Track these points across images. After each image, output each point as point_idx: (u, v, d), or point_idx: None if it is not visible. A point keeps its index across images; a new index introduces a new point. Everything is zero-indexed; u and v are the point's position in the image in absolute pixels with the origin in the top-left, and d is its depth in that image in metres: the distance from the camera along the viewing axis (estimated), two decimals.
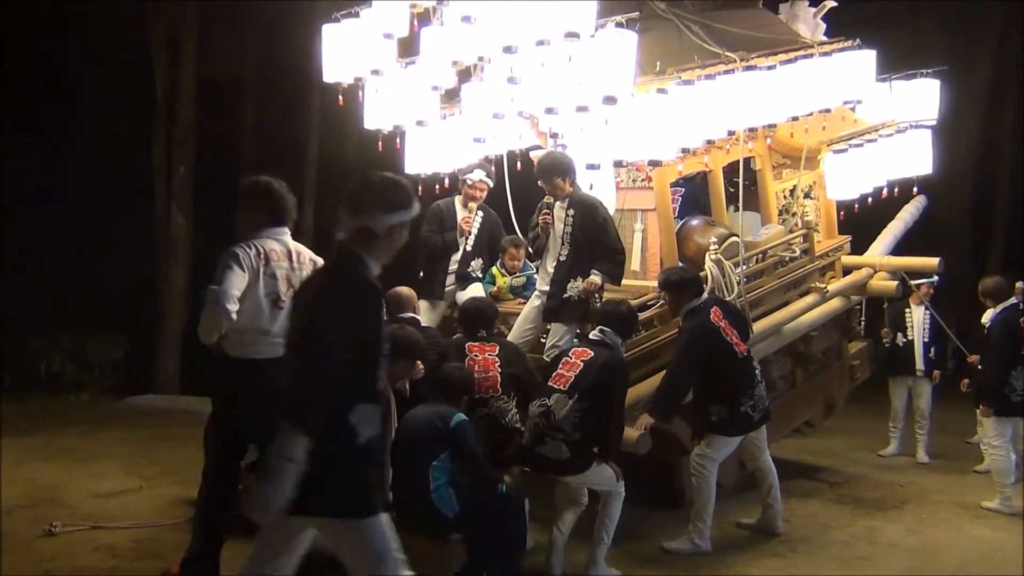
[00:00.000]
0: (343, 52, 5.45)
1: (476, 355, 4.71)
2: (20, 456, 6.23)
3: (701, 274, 5.52)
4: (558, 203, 5.34)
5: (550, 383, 4.52)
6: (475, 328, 4.86)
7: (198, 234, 12.10)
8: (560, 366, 4.57)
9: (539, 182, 5.37)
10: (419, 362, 4.42)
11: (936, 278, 7.51)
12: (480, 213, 6.16)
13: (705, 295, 5.22)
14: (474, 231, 6.14)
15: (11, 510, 5.11)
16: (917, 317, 7.82)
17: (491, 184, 6.14)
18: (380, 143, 5.99)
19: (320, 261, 3.98)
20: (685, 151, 5.18)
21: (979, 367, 6.63)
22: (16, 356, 10.08)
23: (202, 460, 5.65)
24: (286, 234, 4.09)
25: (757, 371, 5.19)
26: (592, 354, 4.51)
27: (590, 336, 4.72)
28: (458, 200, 6.19)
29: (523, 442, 4.52)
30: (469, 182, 6.06)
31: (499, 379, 4.64)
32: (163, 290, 11.87)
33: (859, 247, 7.36)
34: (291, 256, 4.03)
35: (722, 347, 4.99)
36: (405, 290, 5.67)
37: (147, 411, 8.96)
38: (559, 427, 4.37)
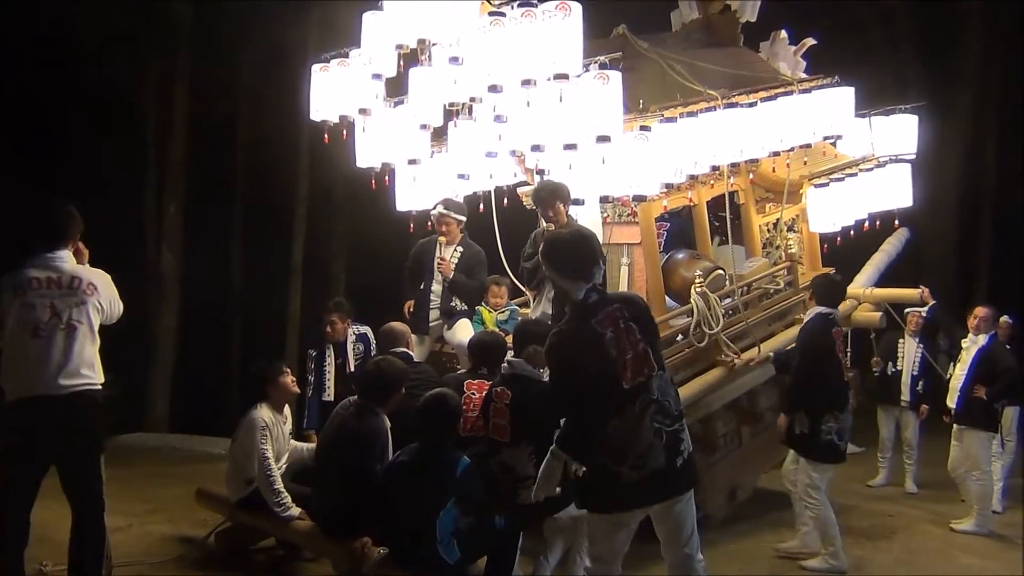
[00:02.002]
0: (331, 92, 5.55)
1: (473, 393, 4.68)
2: None
3: (686, 306, 5.62)
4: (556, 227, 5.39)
5: (493, 436, 4.39)
6: (478, 365, 4.86)
7: (188, 273, 12.18)
8: (492, 414, 4.43)
9: (537, 210, 5.44)
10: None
11: (927, 309, 7.56)
12: (461, 249, 6.20)
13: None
14: (453, 267, 6.12)
15: None
16: (909, 348, 7.90)
17: (456, 216, 6.11)
18: (372, 181, 6.09)
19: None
20: (668, 186, 5.29)
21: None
22: None
23: (190, 500, 5.74)
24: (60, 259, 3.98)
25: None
26: (511, 394, 4.38)
27: (502, 372, 4.58)
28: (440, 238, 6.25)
29: (500, 498, 4.33)
30: (434, 218, 6.14)
31: (508, 427, 4.42)
32: (153, 329, 11.91)
33: (844, 279, 7.46)
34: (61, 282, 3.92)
35: (836, 365, 5.27)
36: (398, 326, 5.76)
37: (137, 449, 8.94)
38: (525, 475, 4.23)
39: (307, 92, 5.78)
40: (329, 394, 6.13)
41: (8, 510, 3.95)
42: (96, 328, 4.00)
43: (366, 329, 6.35)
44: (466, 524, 4.01)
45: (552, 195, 5.31)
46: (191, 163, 12.43)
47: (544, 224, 5.47)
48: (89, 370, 3.95)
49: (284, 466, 5.14)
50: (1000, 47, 14.12)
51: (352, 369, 6.16)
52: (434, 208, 6.14)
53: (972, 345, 6.72)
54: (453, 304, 6.09)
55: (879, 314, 7.16)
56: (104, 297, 4.03)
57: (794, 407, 5.36)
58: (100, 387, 4.02)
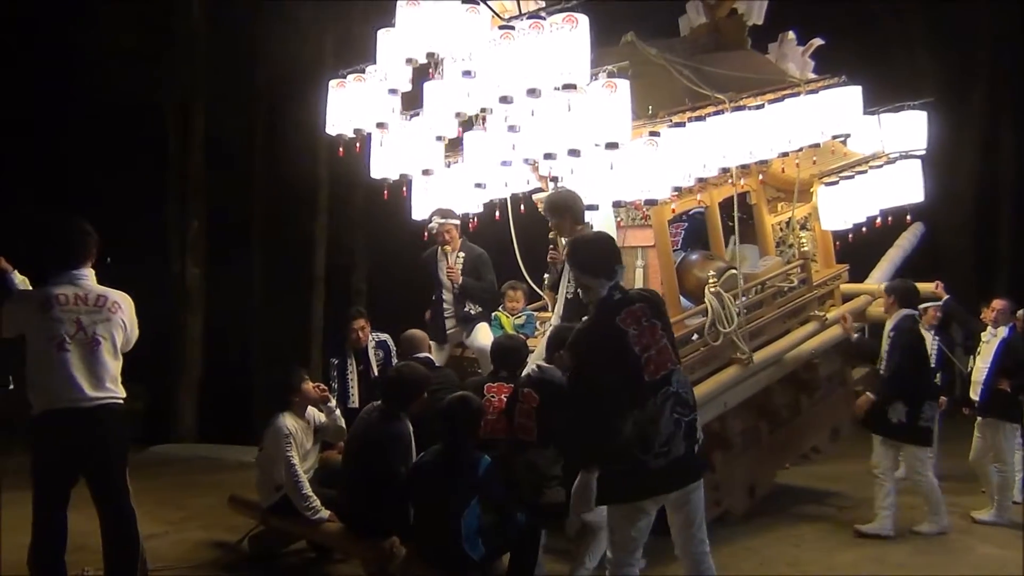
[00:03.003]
0: (348, 107, 5.69)
1: (492, 396, 4.80)
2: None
3: (700, 306, 5.73)
4: (564, 239, 5.53)
5: (518, 436, 4.55)
6: (498, 368, 4.98)
7: (211, 285, 12.40)
8: (517, 414, 4.58)
9: (549, 218, 5.54)
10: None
11: (942, 303, 7.61)
12: (462, 254, 6.32)
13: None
14: (460, 273, 6.26)
15: None
16: (926, 342, 7.93)
17: (454, 222, 6.25)
18: (386, 192, 6.25)
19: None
20: (678, 190, 5.40)
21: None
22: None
23: (222, 507, 5.91)
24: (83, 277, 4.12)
25: None
26: (538, 397, 4.52)
27: (530, 375, 4.73)
28: (439, 249, 6.36)
29: (525, 498, 4.48)
30: (433, 231, 6.25)
31: (534, 428, 4.55)
32: (180, 341, 12.14)
33: (859, 275, 7.53)
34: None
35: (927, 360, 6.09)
36: (418, 332, 5.91)
37: (169, 460, 9.14)
38: (549, 475, 4.42)
39: (323, 108, 5.95)
40: (354, 401, 6.23)
41: (42, 517, 4.11)
42: (119, 345, 4.16)
43: (386, 336, 6.46)
44: (489, 521, 4.14)
45: (563, 209, 5.35)
46: (211, 177, 12.65)
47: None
48: (113, 384, 4.11)
49: (311, 470, 5.31)
50: (1016, 39, 14.07)
51: (376, 374, 6.29)
52: (430, 221, 6.25)
53: (992, 338, 6.77)
54: (467, 310, 6.21)
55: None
56: (128, 317, 4.19)
57: (893, 398, 5.96)
58: (123, 401, 4.18)
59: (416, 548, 4.29)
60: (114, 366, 4.12)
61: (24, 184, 12.29)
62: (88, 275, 4.14)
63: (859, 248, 7.38)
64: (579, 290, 4.59)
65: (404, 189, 6.35)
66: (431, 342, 6.14)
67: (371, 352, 6.36)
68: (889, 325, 6.15)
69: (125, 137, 12.63)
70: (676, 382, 3.65)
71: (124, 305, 4.19)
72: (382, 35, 5.19)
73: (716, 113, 5.49)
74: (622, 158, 5.09)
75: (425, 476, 4.24)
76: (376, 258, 13.99)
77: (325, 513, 4.94)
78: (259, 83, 13.56)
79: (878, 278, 7.61)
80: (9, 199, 12.04)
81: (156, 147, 12.51)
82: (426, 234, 6.46)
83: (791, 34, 7.30)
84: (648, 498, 3.64)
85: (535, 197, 6.61)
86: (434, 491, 4.16)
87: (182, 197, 12.37)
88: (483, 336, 6.13)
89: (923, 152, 6.99)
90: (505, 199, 6.51)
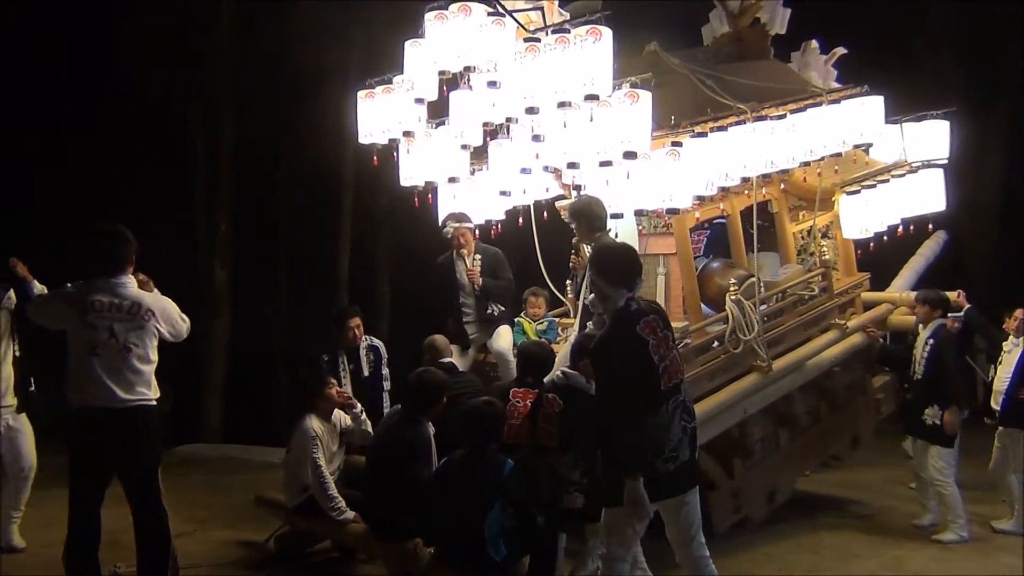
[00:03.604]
0: (377, 116, 5.82)
1: (518, 401, 4.85)
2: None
3: (721, 313, 5.79)
4: (585, 244, 5.59)
5: (541, 441, 4.61)
6: (524, 373, 5.04)
7: (237, 288, 12.56)
8: (540, 419, 4.64)
9: (572, 224, 5.59)
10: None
11: (965, 311, 7.56)
12: (479, 256, 6.41)
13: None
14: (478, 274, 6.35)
15: None
16: None
17: (468, 225, 6.38)
18: (416, 199, 6.37)
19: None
20: (700, 199, 5.46)
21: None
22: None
23: (249, 506, 6.02)
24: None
25: None
26: (563, 403, 4.58)
27: (555, 381, 4.79)
28: (455, 253, 6.44)
29: (545, 502, 4.52)
30: (448, 235, 6.36)
31: (557, 433, 4.60)
32: (206, 343, 12.29)
33: (881, 284, 7.55)
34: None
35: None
36: (440, 338, 5.99)
37: (195, 460, 9.28)
38: (569, 480, 4.47)
39: (350, 113, 6.07)
40: None
41: (77, 514, 4.25)
42: (151, 350, 4.30)
43: (379, 343, 6.46)
44: (511, 524, 4.22)
45: (579, 215, 5.32)
46: (238, 181, 12.81)
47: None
48: (144, 388, 4.25)
49: (336, 471, 5.41)
50: None
51: (366, 375, 6.29)
52: (443, 226, 6.37)
53: (1015, 347, 6.76)
54: (490, 311, 6.29)
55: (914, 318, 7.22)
56: (163, 322, 4.33)
57: (928, 402, 6.27)
58: (155, 402, 4.32)
59: (439, 550, 4.38)
60: (146, 371, 4.26)
61: (51, 188, 12.48)
62: (127, 282, 4.27)
63: (880, 256, 7.40)
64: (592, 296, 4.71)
65: (430, 196, 6.47)
66: (454, 346, 6.23)
67: (363, 353, 6.33)
68: (927, 333, 6.44)
69: (153, 140, 12.80)
70: (684, 391, 3.88)
71: (158, 310, 4.32)
72: (409, 46, 5.30)
73: (738, 123, 5.54)
74: (644, 167, 5.16)
75: (450, 479, 4.33)
76: (400, 262, 14.11)
77: (350, 514, 5.04)
78: (286, 87, 13.72)
79: (900, 287, 7.62)
80: (35, 203, 12.25)
81: (184, 150, 12.68)
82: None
83: (814, 43, 7.32)
84: (657, 501, 3.78)
85: (558, 204, 6.69)
86: (459, 493, 4.25)
87: (209, 200, 12.53)
88: (504, 340, 6.22)
89: (945, 161, 7.00)
90: (528, 206, 6.61)
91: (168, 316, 4.37)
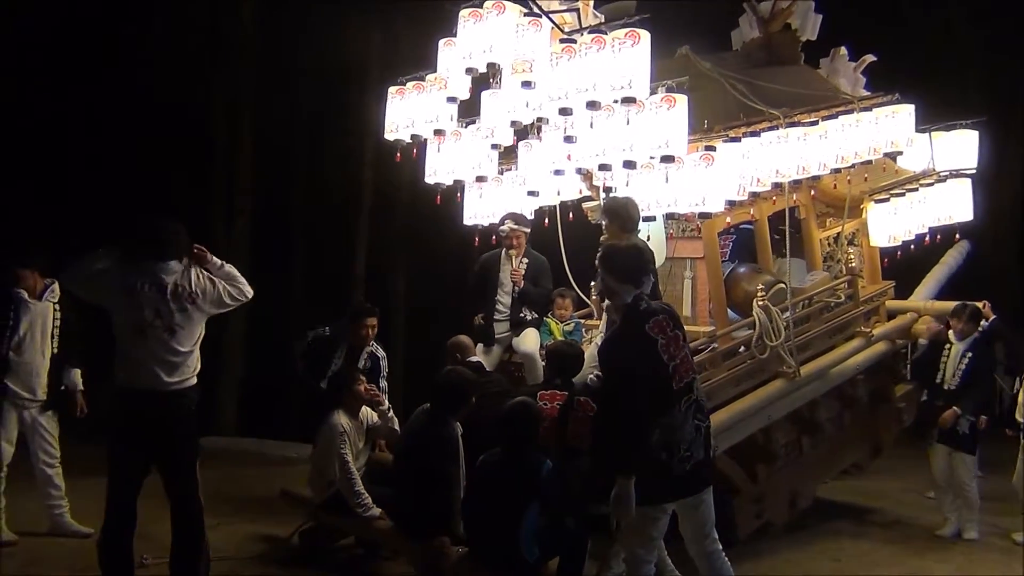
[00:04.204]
0: (407, 113, 5.82)
1: (545, 403, 4.85)
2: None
3: (748, 319, 5.78)
4: None
5: (572, 444, 4.62)
6: (553, 375, 5.05)
7: (255, 283, 12.58)
8: (572, 422, 4.66)
9: (604, 223, 5.53)
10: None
11: (990, 322, 7.51)
12: (526, 260, 6.43)
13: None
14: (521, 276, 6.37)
15: None
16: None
17: (525, 229, 6.39)
18: (439, 197, 6.36)
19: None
20: (731, 203, 5.46)
21: None
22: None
23: (270, 500, 6.02)
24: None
25: None
26: (595, 407, 4.52)
27: (588, 384, 4.79)
28: (504, 252, 6.46)
29: (574, 502, 4.49)
30: (503, 234, 6.39)
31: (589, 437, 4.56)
32: (222, 339, 12.32)
33: (904, 292, 7.52)
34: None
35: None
36: (466, 338, 6.01)
37: (213, 452, 9.22)
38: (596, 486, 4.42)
39: (370, 110, 6.06)
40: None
41: (114, 502, 4.30)
42: (197, 332, 4.35)
43: (382, 353, 6.13)
44: (544, 525, 4.22)
45: (612, 215, 5.26)
46: (257, 177, 12.84)
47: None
48: (188, 370, 4.30)
49: (362, 468, 5.43)
50: None
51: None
52: (502, 224, 6.39)
53: None
54: (523, 315, 6.31)
55: (939, 326, 7.20)
56: (210, 302, 4.38)
57: (964, 412, 6.46)
58: (195, 384, 4.36)
59: (471, 548, 4.39)
60: (189, 354, 4.30)
61: (71, 181, 12.55)
62: (173, 268, 4.30)
63: (904, 265, 7.38)
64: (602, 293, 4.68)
65: (458, 195, 6.47)
66: (478, 346, 6.23)
67: (363, 355, 6.01)
68: (964, 346, 6.58)
69: (172, 136, 12.85)
70: (696, 390, 3.85)
71: (206, 293, 4.36)
72: (443, 45, 5.31)
73: (771, 128, 5.54)
74: (678, 171, 5.16)
75: (487, 477, 4.33)
76: (417, 261, 14.14)
77: (376, 510, 5.05)
78: (306, 84, 13.76)
79: (923, 295, 7.59)
80: (56, 197, 12.32)
81: (203, 146, 12.72)
82: (478, 239, 6.55)
83: (843, 50, 7.31)
84: (673, 500, 3.80)
85: (585, 206, 6.69)
86: (496, 492, 4.25)
87: (228, 196, 12.57)
88: (530, 342, 6.22)
89: (973, 171, 6.97)
90: (555, 207, 6.61)
91: (214, 297, 4.40)
